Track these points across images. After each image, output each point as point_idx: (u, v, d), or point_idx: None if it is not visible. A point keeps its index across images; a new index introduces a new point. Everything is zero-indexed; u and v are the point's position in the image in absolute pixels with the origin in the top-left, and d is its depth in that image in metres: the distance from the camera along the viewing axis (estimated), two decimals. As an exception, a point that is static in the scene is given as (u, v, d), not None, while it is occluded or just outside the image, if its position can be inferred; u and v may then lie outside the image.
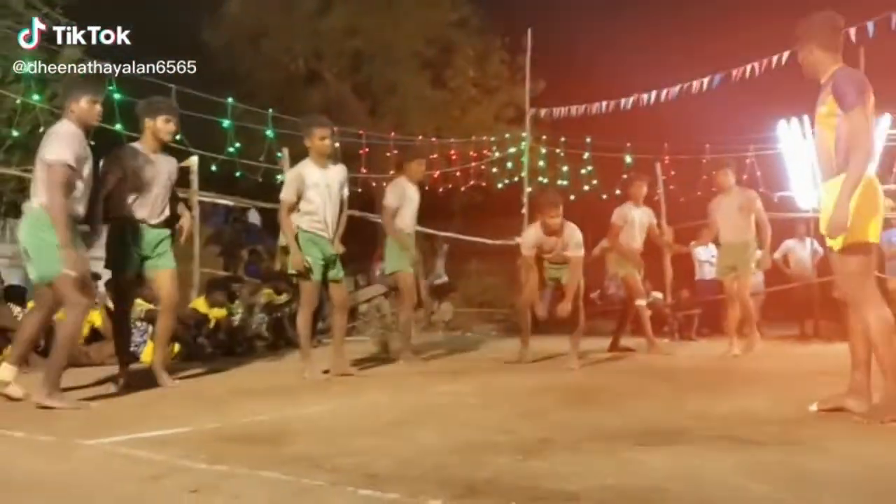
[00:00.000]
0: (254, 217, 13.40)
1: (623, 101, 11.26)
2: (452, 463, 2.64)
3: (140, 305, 7.36)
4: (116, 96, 8.93)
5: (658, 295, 11.08)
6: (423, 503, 2.15)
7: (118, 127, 8.88)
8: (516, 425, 3.41)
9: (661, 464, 2.59)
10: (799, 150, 9.91)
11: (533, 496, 2.19)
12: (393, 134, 13.32)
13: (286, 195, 5.56)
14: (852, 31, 8.74)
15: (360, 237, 12.99)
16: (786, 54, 9.33)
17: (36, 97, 9.05)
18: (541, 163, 13.76)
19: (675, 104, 10.78)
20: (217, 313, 7.99)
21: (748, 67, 9.72)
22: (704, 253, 10.49)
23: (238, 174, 10.30)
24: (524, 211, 11.92)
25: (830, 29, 3.72)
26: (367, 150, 12.66)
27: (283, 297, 9.08)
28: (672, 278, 10.92)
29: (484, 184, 14.02)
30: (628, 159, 12.82)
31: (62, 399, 4.01)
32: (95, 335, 7.04)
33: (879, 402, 3.50)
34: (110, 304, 7.67)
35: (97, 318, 7.07)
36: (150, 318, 7.17)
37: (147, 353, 7.03)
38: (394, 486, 2.31)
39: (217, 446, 2.95)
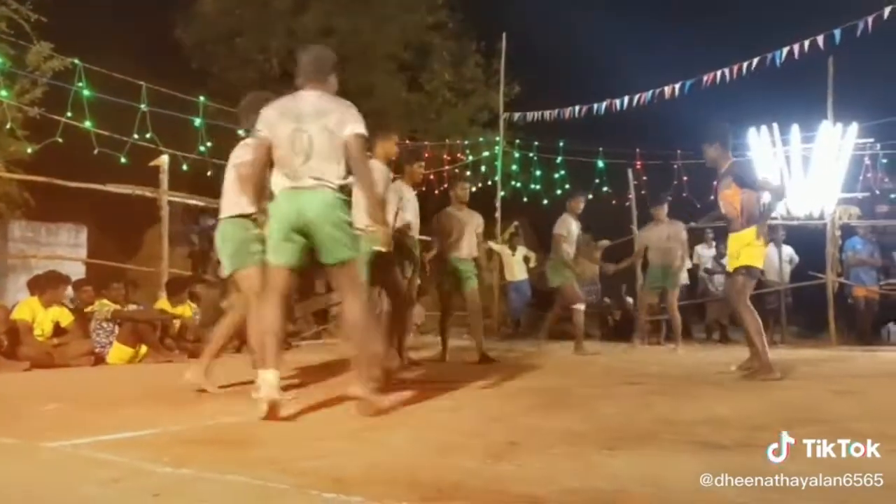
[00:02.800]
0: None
1: (596, 105, 11.35)
2: (421, 466, 2.63)
3: (106, 306, 7.27)
4: (86, 93, 8.82)
5: (630, 300, 11.17)
6: (389, 507, 2.14)
7: (87, 124, 8.77)
8: (486, 429, 3.41)
9: (627, 467, 2.60)
10: (769, 157, 10.06)
11: (499, 500, 2.19)
12: (368, 136, 13.25)
13: None
14: (819, 39, 8.90)
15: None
16: (755, 62, 9.47)
17: (3, 93, 8.90)
18: (514, 167, 13.80)
19: (647, 109, 10.89)
20: (182, 310, 7.91)
21: (718, 74, 9.84)
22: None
23: (209, 173, 10.19)
24: (497, 215, 11.95)
25: (727, 133, 5.90)
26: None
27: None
28: (643, 285, 11.02)
29: (457, 187, 14.03)
30: (601, 164, 12.91)
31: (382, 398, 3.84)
32: (60, 334, 6.92)
33: (756, 365, 5.55)
34: (70, 305, 7.57)
35: (63, 316, 6.96)
36: (117, 320, 7.08)
37: (113, 355, 6.95)
38: (360, 490, 2.29)
39: (182, 449, 2.90)
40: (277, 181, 3.81)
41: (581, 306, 8.34)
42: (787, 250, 10.55)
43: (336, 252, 3.73)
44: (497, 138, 12.89)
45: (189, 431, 3.34)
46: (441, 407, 4.14)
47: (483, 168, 13.82)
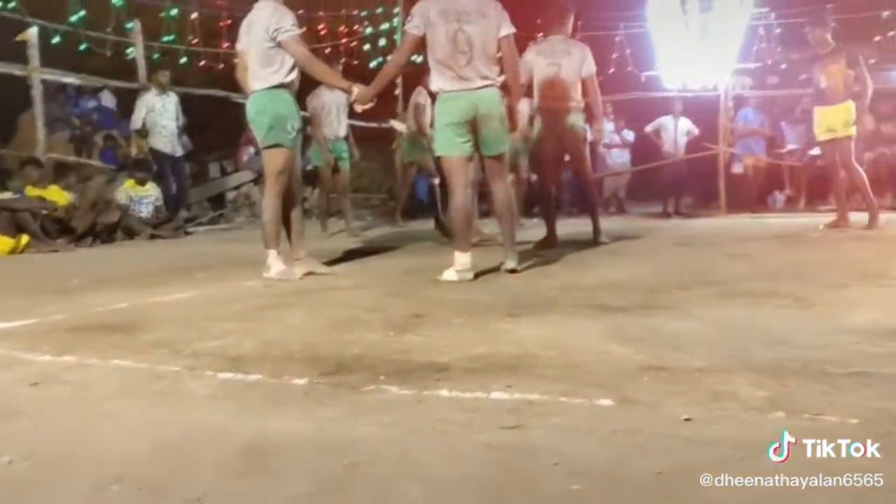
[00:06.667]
0: (107, 99, 12.37)
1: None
2: (321, 342, 2.56)
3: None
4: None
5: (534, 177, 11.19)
6: (288, 383, 2.07)
7: None
8: (388, 303, 3.36)
9: (530, 333, 2.61)
10: (666, 29, 10.01)
11: (402, 369, 2.14)
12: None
13: None
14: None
15: (226, 121, 12.29)
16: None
17: None
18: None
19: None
20: (52, 194, 7.45)
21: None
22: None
23: (83, 47, 9.36)
24: (398, 92, 11.58)
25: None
26: (229, 22, 11.77)
27: (149, 188, 8.55)
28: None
29: (356, 62, 13.44)
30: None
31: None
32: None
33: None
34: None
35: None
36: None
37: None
38: (257, 368, 2.21)
39: (65, 337, 2.73)
40: (441, 80, 4.05)
41: (436, 180, 7.73)
42: (685, 123, 10.70)
43: (500, 145, 4.17)
44: (395, 10, 12.32)
45: (72, 320, 3.14)
46: (342, 286, 4.06)
47: (382, 41, 13.25)
